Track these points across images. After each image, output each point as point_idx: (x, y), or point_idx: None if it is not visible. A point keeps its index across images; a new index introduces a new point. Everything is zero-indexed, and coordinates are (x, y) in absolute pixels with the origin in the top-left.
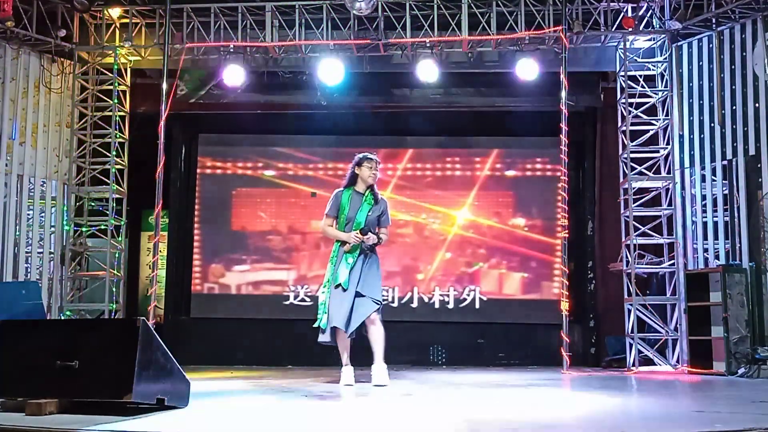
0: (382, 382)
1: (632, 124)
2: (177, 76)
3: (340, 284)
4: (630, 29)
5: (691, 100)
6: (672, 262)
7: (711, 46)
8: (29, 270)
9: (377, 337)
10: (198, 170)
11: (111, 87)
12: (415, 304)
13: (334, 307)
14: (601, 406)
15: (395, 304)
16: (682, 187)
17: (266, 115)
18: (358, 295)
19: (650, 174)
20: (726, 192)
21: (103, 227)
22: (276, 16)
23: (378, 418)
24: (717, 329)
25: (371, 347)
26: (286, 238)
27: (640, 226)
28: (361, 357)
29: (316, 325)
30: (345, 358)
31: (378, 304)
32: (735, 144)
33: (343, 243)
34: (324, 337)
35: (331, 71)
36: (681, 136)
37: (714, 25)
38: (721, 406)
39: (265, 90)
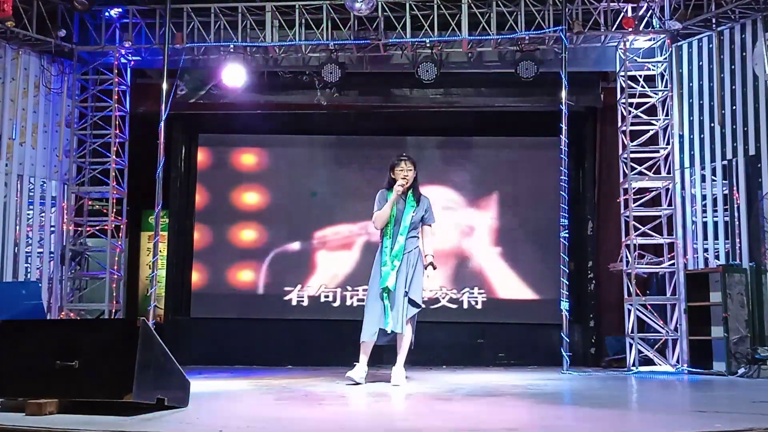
0: (399, 383)
1: (632, 124)
2: (177, 76)
3: (387, 287)
4: (630, 29)
5: (691, 100)
6: (672, 262)
7: (711, 46)
8: (29, 270)
9: (406, 339)
10: (198, 170)
11: (111, 87)
12: None
13: (377, 310)
14: (601, 406)
15: None
16: (682, 187)
17: (266, 115)
18: (405, 294)
19: (650, 174)
20: (726, 192)
21: (103, 227)
22: (276, 16)
23: (378, 418)
24: (717, 329)
25: (396, 347)
26: (287, 238)
27: (640, 226)
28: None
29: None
30: (363, 357)
31: (418, 307)
32: (735, 144)
33: (385, 245)
34: (381, 339)
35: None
36: (681, 136)
37: (714, 25)
38: (721, 406)
39: (265, 90)
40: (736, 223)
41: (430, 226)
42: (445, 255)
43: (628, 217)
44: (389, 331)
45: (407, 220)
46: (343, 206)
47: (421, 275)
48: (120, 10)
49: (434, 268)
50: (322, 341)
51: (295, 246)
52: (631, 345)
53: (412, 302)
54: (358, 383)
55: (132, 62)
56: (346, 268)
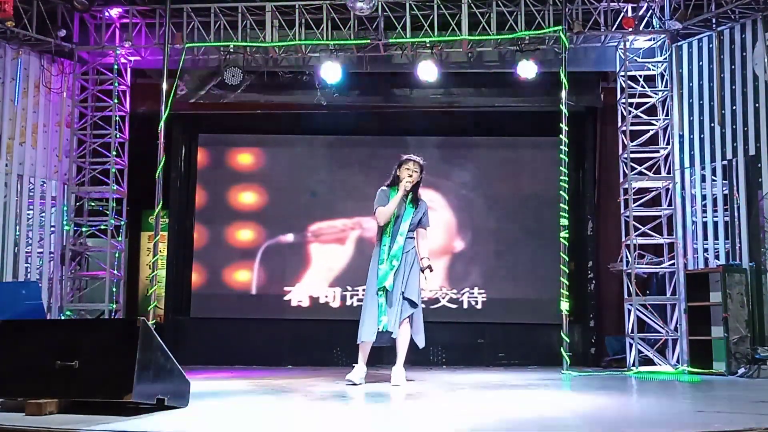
0: (399, 383)
1: (632, 124)
2: (177, 76)
3: (384, 287)
4: (630, 29)
5: (691, 100)
6: (672, 262)
7: (711, 46)
8: (29, 270)
9: (404, 339)
10: (198, 170)
11: (111, 87)
12: None
13: (376, 309)
14: (601, 406)
15: None
16: (682, 187)
17: (266, 115)
18: (402, 294)
19: (650, 174)
20: (726, 192)
21: (103, 227)
22: (276, 16)
23: (378, 418)
24: (717, 329)
25: (396, 348)
26: (287, 239)
27: (640, 226)
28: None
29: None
30: (362, 357)
31: (414, 306)
32: (735, 144)
33: (383, 244)
34: (381, 341)
35: (331, 71)
36: (681, 136)
37: (714, 25)
38: (721, 406)
39: (265, 90)
40: (736, 223)
41: (425, 229)
42: (445, 255)
43: (628, 217)
44: (381, 329)
45: (407, 221)
46: (344, 206)
47: (418, 275)
48: (120, 10)
49: (431, 271)
50: (322, 341)
51: (297, 247)
52: (631, 345)
53: (409, 302)
54: (357, 384)
55: (132, 62)
56: (346, 264)
